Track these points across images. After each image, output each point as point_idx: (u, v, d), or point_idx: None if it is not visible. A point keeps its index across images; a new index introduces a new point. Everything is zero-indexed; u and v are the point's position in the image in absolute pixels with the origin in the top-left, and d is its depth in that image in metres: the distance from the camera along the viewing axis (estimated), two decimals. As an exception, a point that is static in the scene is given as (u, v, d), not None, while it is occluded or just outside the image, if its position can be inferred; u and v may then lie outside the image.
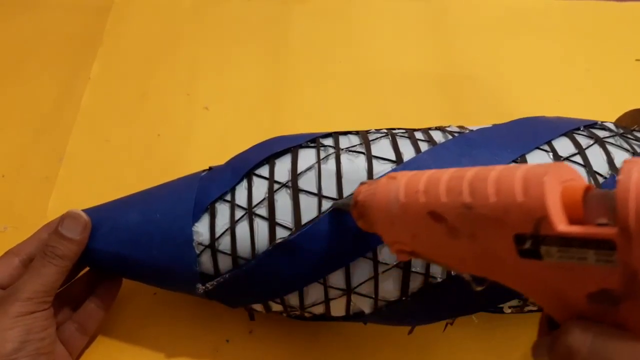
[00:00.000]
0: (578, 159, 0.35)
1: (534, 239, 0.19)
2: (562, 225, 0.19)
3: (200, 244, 0.35)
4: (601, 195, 0.19)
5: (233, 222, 0.35)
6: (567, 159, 0.34)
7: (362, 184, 0.30)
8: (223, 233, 0.35)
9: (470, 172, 0.23)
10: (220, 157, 0.51)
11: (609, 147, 0.35)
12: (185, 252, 0.35)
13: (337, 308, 0.37)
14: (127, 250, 0.36)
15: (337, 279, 0.35)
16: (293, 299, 0.36)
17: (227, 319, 0.43)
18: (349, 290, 0.35)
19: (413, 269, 0.34)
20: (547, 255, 0.19)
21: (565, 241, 0.19)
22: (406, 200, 0.25)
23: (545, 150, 0.35)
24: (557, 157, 0.35)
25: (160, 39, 0.64)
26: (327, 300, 0.36)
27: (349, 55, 0.63)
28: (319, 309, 0.37)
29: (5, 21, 0.66)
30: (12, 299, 0.33)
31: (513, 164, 0.24)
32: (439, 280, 0.34)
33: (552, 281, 0.20)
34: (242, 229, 0.34)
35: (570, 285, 0.20)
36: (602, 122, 0.39)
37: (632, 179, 0.17)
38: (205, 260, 0.36)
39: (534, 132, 0.36)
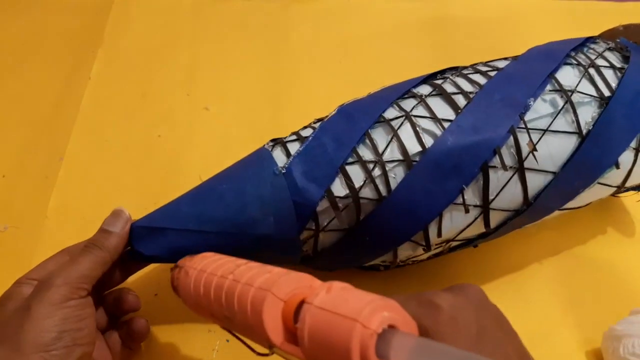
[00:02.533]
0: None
1: (271, 347, 0.24)
2: (280, 343, 0.23)
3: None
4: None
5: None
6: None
7: (174, 268, 0.33)
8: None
9: (227, 283, 0.27)
10: (220, 158, 0.51)
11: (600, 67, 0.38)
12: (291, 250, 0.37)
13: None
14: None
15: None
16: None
17: None
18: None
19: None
20: (286, 356, 0.24)
21: (287, 352, 0.23)
22: (196, 298, 0.29)
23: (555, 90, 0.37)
24: (564, 91, 0.36)
25: (161, 39, 0.62)
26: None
27: (349, 55, 0.61)
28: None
29: (5, 21, 0.63)
30: (47, 286, 0.31)
31: (253, 273, 0.26)
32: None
33: None
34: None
35: None
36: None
37: (305, 327, 0.21)
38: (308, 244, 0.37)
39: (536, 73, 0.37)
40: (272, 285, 0.24)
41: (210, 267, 0.29)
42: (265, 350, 0.26)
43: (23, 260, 0.44)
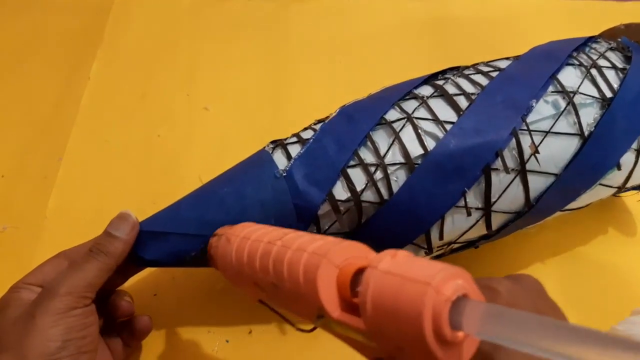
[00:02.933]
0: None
1: (321, 318, 0.22)
2: (335, 312, 0.21)
3: None
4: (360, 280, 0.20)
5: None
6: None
7: (213, 235, 0.32)
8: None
9: (275, 249, 0.25)
10: (220, 158, 0.51)
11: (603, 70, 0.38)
12: None
13: None
14: None
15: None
16: None
17: (227, 319, 0.41)
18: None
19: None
20: (336, 328, 0.22)
21: (341, 323, 0.21)
22: (237, 266, 0.28)
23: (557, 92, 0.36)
24: (566, 93, 0.36)
25: (161, 39, 0.61)
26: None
27: (349, 55, 0.60)
28: None
29: (5, 21, 0.63)
30: (51, 295, 0.30)
31: (305, 240, 0.24)
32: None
33: (350, 342, 0.22)
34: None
35: (360, 348, 0.22)
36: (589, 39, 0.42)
37: (368, 292, 0.19)
38: None
39: (538, 76, 0.37)
40: (327, 251, 0.22)
41: (255, 235, 0.28)
42: (308, 326, 0.25)
43: (23, 261, 0.44)
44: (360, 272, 0.21)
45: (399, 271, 0.19)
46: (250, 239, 0.27)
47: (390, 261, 0.20)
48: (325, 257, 0.22)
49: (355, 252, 0.23)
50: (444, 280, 0.18)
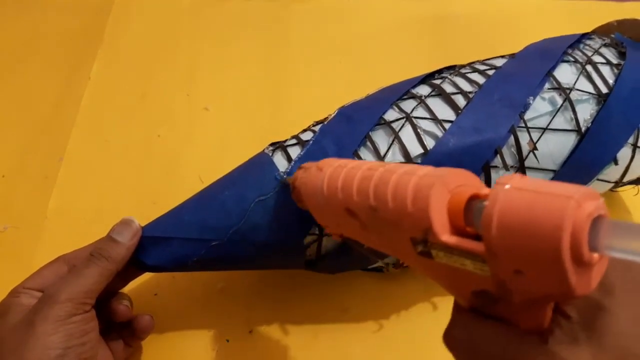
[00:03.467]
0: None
1: (424, 243, 0.21)
2: (445, 235, 0.20)
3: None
4: (478, 207, 0.19)
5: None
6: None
7: (299, 168, 0.31)
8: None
9: (377, 174, 0.24)
10: (220, 158, 0.51)
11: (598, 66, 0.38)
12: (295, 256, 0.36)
13: None
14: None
15: None
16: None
17: (227, 319, 0.41)
18: None
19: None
20: (437, 256, 0.21)
21: (448, 249, 0.20)
22: (328, 194, 0.27)
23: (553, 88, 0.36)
24: (562, 89, 0.36)
25: (161, 39, 0.62)
26: None
27: (349, 55, 0.61)
28: None
29: (5, 21, 0.63)
30: (51, 301, 0.30)
31: (411, 166, 0.23)
32: None
33: (445, 276, 0.22)
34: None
35: (458, 281, 0.21)
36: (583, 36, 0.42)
37: (495, 206, 0.18)
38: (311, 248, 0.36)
39: (533, 74, 0.37)
40: (441, 174, 0.21)
41: (351, 164, 0.27)
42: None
43: (23, 261, 0.44)
44: (473, 199, 0.20)
45: (533, 187, 0.17)
46: (346, 166, 0.27)
47: (520, 180, 0.18)
48: (439, 178, 0.21)
49: (468, 181, 0.22)
50: (585, 196, 0.17)
